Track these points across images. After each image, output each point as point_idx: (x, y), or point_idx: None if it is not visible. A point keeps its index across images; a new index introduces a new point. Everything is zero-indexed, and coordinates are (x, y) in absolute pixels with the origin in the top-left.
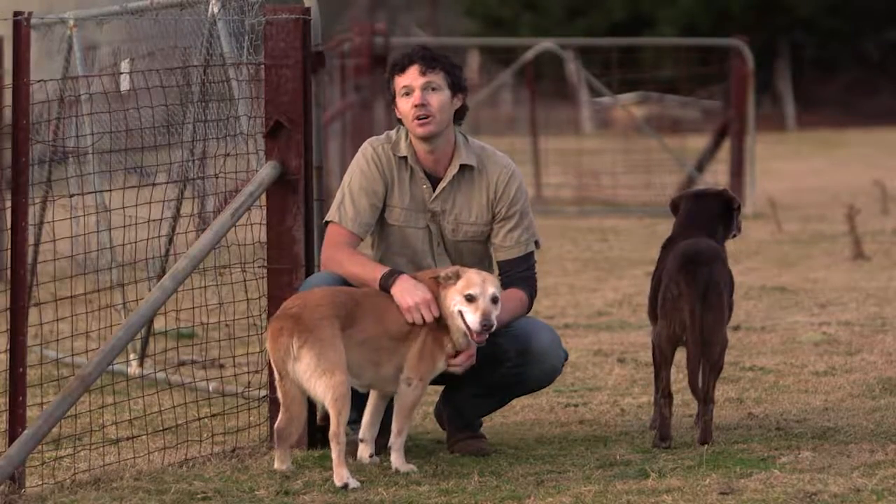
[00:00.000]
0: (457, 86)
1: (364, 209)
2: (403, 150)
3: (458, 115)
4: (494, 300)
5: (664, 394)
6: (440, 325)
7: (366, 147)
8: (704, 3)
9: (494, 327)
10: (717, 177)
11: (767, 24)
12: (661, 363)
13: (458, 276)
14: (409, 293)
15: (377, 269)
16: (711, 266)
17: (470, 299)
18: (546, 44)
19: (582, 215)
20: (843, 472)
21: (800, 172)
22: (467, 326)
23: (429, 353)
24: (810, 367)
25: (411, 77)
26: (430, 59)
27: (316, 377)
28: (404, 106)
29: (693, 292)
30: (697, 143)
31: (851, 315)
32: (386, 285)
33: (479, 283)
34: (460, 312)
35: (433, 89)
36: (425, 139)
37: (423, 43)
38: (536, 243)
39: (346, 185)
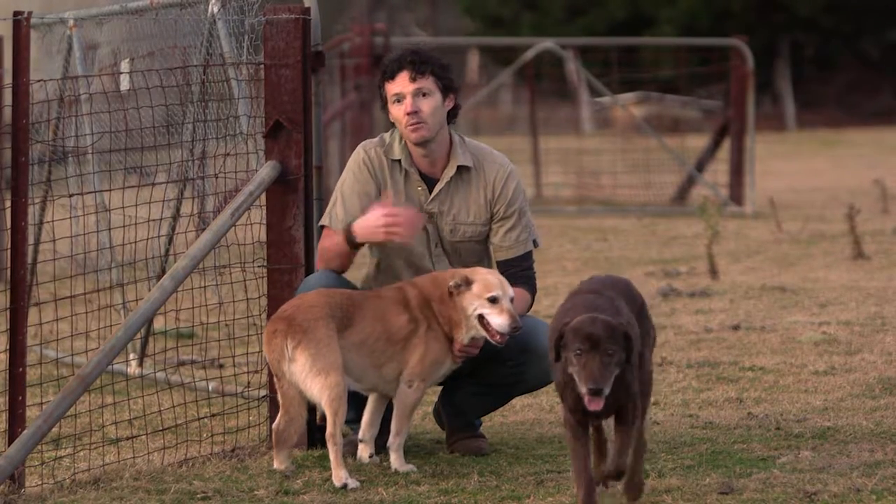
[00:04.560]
0: (448, 87)
1: (354, 212)
2: (397, 153)
3: (451, 115)
4: (512, 300)
5: None
6: (442, 326)
7: (358, 150)
8: (704, 3)
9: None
10: (717, 176)
11: (767, 23)
12: None
13: (467, 281)
14: (370, 224)
15: (340, 233)
16: None
17: (494, 301)
18: (546, 44)
19: (582, 215)
20: (843, 471)
21: (800, 172)
22: (488, 330)
23: (431, 354)
24: (810, 367)
25: (401, 84)
26: (418, 65)
27: (311, 378)
28: (397, 112)
29: None
30: (697, 142)
31: (851, 315)
32: (352, 239)
33: (498, 284)
34: (481, 316)
35: (424, 95)
36: (419, 144)
37: (413, 45)
38: (535, 242)
39: (339, 189)
